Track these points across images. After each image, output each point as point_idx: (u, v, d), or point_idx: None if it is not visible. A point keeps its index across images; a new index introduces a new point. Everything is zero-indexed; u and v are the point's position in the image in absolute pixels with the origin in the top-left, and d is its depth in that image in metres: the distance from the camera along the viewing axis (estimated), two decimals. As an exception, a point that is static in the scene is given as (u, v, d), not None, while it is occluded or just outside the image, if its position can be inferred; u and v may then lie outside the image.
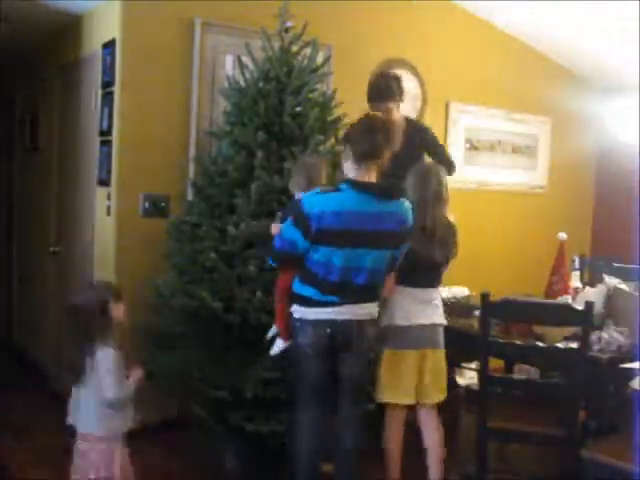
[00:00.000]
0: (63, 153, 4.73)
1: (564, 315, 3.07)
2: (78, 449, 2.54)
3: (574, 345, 3.10)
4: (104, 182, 3.93)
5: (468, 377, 4.50)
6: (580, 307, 2.99)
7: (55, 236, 4.75)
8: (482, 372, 3.10)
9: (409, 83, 4.78)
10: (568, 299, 3.58)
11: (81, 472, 2.51)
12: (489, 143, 5.34)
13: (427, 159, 3.71)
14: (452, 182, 5.13)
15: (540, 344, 3.15)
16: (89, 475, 2.49)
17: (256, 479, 3.27)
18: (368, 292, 2.78)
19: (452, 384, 3.91)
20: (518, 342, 3.20)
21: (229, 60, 4.02)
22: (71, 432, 2.59)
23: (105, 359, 2.47)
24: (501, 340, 3.24)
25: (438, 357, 3.13)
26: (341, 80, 4.15)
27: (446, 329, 3.20)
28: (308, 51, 3.49)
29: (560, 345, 3.16)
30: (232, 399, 3.11)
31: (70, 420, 2.59)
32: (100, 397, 2.47)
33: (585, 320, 2.95)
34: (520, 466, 3.62)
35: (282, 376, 3.03)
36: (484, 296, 3.07)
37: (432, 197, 3.10)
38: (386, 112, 3.46)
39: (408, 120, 3.91)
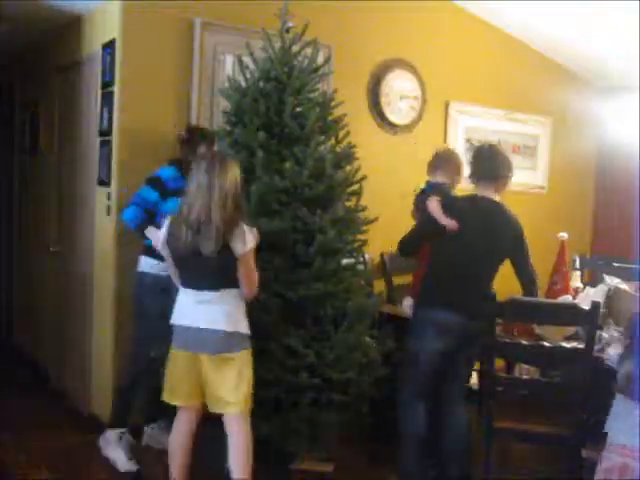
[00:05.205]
0: (63, 153, 4.72)
1: (570, 315, 3.06)
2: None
3: (574, 345, 3.10)
4: (104, 182, 3.93)
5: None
6: (586, 307, 2.99)
7: (55, 236, 4.75)
8: (487, 372, 3.09)
9: (409, 83, 4.79)
10: (569, 299, 3.58)
11: None
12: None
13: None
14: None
15: (546, 344, 3.14)
16: None
17: (255, 479, 3.26)
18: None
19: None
20: (525, 342, 3.19)
21: (229, 60, 4.02)
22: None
23: None
24: (507, 340, 3.23)
25: (217, 364, 2.80)
26: (341, 80, 4.16)
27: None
28: (309, 51, 3.49)
29: (565, 345, 3.16)
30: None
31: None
32: None
33: (591, 320, 2.94)
34: (522, 466, 3.61)
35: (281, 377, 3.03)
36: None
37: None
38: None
39: None
